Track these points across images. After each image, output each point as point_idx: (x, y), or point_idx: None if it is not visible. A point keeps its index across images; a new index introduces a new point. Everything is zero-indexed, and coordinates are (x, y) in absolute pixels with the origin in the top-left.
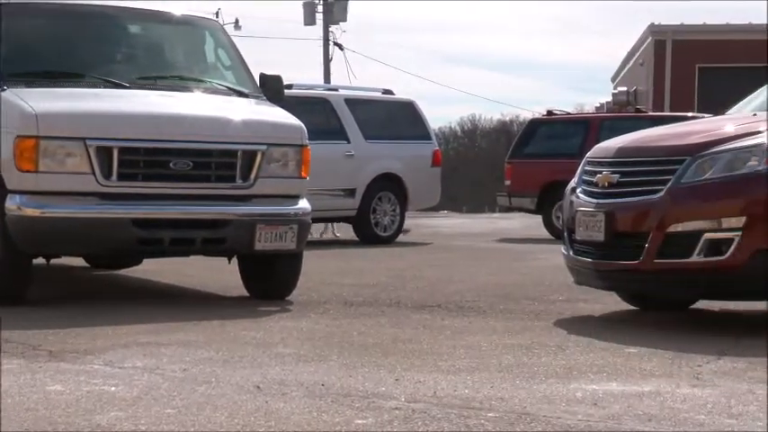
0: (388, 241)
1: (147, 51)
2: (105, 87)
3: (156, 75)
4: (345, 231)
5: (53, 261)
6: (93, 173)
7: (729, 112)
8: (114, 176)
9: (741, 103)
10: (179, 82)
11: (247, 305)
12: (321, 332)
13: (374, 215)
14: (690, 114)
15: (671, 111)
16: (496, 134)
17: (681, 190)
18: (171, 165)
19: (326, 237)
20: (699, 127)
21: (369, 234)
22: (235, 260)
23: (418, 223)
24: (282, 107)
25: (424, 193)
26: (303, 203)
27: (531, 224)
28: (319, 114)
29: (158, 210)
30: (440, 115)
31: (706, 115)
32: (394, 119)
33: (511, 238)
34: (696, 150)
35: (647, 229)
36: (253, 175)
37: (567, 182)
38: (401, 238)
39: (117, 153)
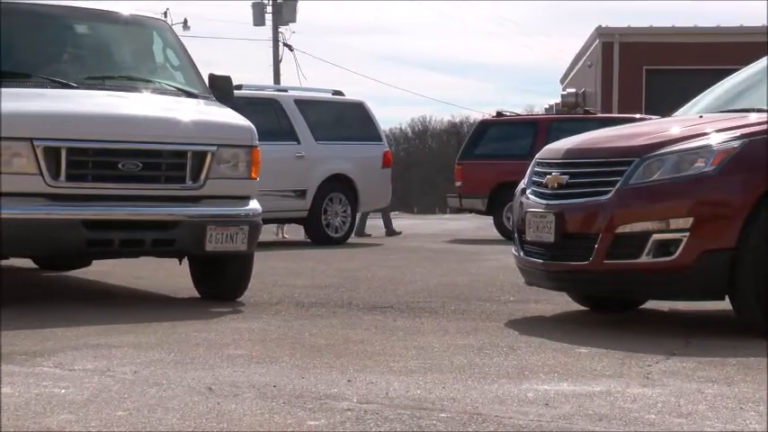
0: (340, 242)
1: (94, 51)
2: (52, 87)
3: (104, 75)
4: (296, 232)
5: (1, 263)
6: (41, 173)
7: (676, 114)
8: (62, 177)
9: (687, 105)
10: (127, 82)
11: (198, 306)
12: (273, 333)
13: (325, 216)
14: (638, 116)
15: (619, 112)
16: (447, 135)
17: (629, 191)
18: (120, 166)
19: (276, 238)
20: (646, 129)
21: (320, 235)
22: (185, 261)
23: (369, 224)
24: (232, 108)
25: (375, 194)
26: (254, 204)
27: (482, 225)
28: (269, 115)
29: (108, 211)
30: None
31: (653, 117)
32: (344, 120)
33: (462, 238)
34: (644, 152)
35: (596, 230)
36: (203, 176)
37: (518, 183)
38: (382, 239)
39: (65, 154)
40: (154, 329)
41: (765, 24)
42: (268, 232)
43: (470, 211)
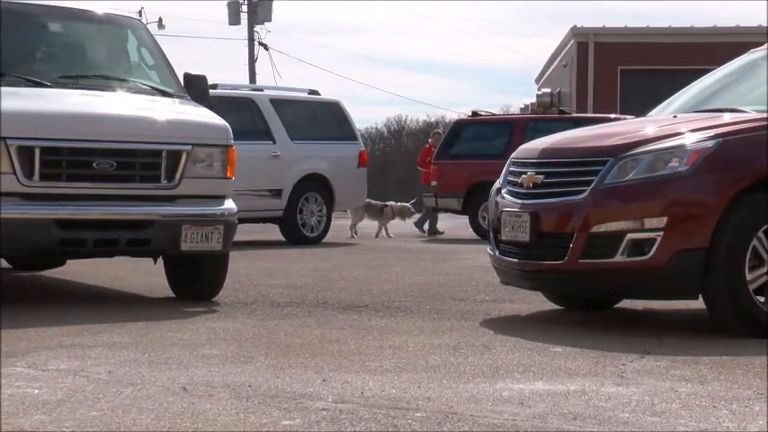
0: (315, 242)
1: (69, 50)
2: (26, 86)
3: (78, 74)
4: (272, 232)
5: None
6: (15, 173)
7: (650, 113)
8: (36, 176)
9: (662, 105)
10: (102, 81)
11: (173, 306)
12: (248, 333)
13: (301, 215)
14: (612, 116)
15: (594, 112)
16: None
17: (603, 191)
18: (94, 165)
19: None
20: (621, 128)
21: (295, 235)
22: (160, 261)
23: (342, 224)
24: (207, 107)
25: (351, 193)
26: (229, 204)
27: (458, 224)
28: (245, 114)
29: (82, 210)
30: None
31: (628, 117)
32: (320, 119)
33: (437, 238)
34: (618, 152)
35: (570, 230)
36: (178, 176)
37: (493, 183)
38: (382, 239)
39: (39, 153)
40: (128, 329)
41: (737, 25)
42: (248, 231)
43: (446, 210)
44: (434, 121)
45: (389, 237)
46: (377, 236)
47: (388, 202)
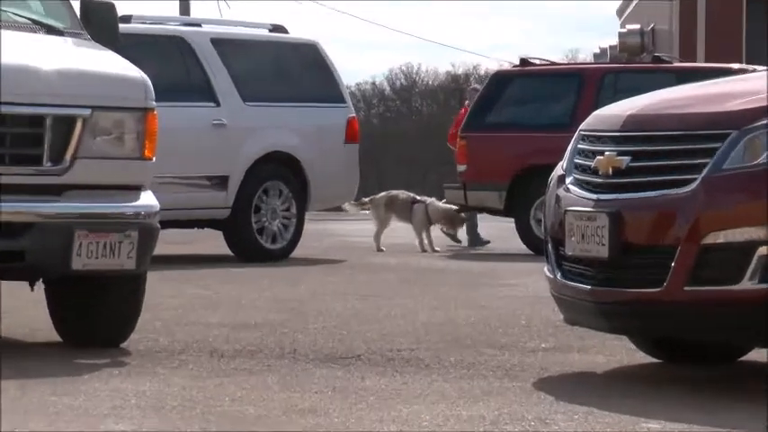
0: (280, 257)
1: None
2: None
3: None
4: (213, 241)
5: None
6: None
7: None
8: None
9: None
10: None
11: (60, 356)
12: (175, 398)
13: (257, 217)
14: (735, 66)
15: (706, 61)
16: (444, 94)
17: (722, 180)
18: None
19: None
20: (749, 86)
21: (249, 246)
22: (41, 286)
23: (321, 230)
24: (116, 51)
25: (335, 182)
26: (147, 199)
27: (498, 231)
28: (173, 62)
29: None
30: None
31: (759, 68)
32: (288, 70)
33: (466, 252)
34: (744, 121)
35: (672, 241)
36: (69, 155)
37: (552, 168)
38: (390, 254)
39: None
40: None
41: None
42: (176, 241)
43: (480, 209)
44: (462, 73)
45: (435, 251)
46: (423, 248)
47: (424, 198)
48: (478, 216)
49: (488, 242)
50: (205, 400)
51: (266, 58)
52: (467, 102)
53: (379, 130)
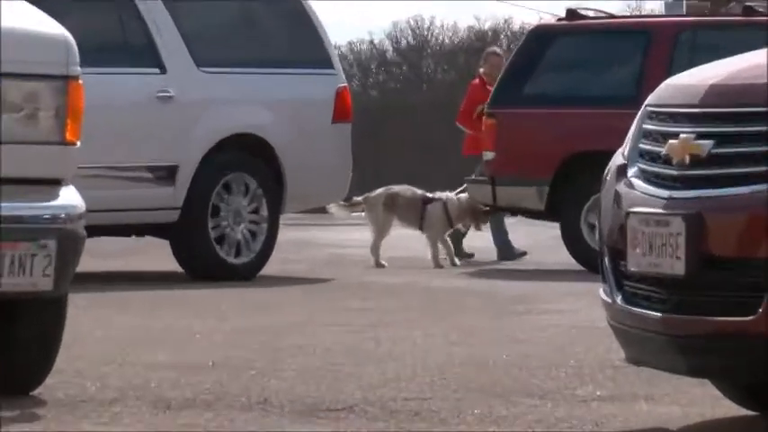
0: (246, 275)
1: None
2: None
3: None
4: (157, 253)
5: None
6: None
7: None
8: None
9: None
10: None
11: None
12: None
13: (215, 221)
14: None
15: None
16: (465, 56)
17: None
18: None
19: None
20: None
21: (205, 260)
22: None
23: (300, 238)
24: (30, 2)
25: (319, 175)
26: (69, 197)
27: (538, 239)
28: (106, 16)
29: None
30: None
31: None
32: (258, 26)
33: (495, 267)
34: None
35: None
36: None
37: (608, 155)
38: (393, 270)
39: None
40: None
41: None
42: (107, 253)
43: (513, 210)
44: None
45: (455, 264)
46: (438, 262)
47: (440, 195)
48: (512, 220)
49: (525, 254)
50: None
51: (228, 10)
52: (481, 70)
53: (378, 104)
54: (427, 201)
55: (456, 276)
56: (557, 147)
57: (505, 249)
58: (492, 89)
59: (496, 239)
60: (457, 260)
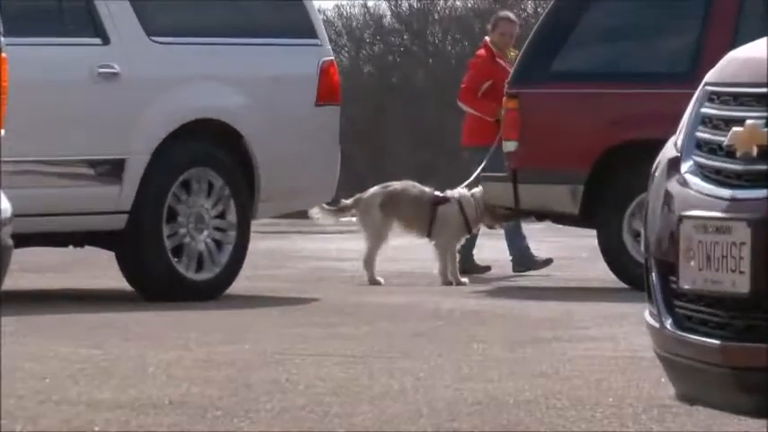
0: (210, 293)
1: None
2: None
3: None
4: (101, 267)
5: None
6: None
7: None
8: None
9: None
10: None
11: None
12: None
13: (172, 228)
14: None
15: None
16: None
17: None
18: None
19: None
20: None
21: (158, 275)
22: None
23: (277, 249)
24: None
25: (299, 171)
26: None
27: (571, 249)
28: None
29: None
30: None
31: None
32: None
33: (516, 284)
34: None
35: None
36: None
37: (658, 144)
38: (391, 288)
39: None
40: None
41: None
42: (40, 267)
43: (539, 214)
44: None
45: (462, 282)
46: (447, 278)
47: (452, 192)
48: (538, 226)
49: (550, 261)
50: None
51: None
52: (488, 38)
53: (374, 82)
54: (438, 201)
55: (468, 295)
56: (594, 136)
57: (524, 256)
58: (501, 62)
59: (512, 245)
60: (465, 279)
